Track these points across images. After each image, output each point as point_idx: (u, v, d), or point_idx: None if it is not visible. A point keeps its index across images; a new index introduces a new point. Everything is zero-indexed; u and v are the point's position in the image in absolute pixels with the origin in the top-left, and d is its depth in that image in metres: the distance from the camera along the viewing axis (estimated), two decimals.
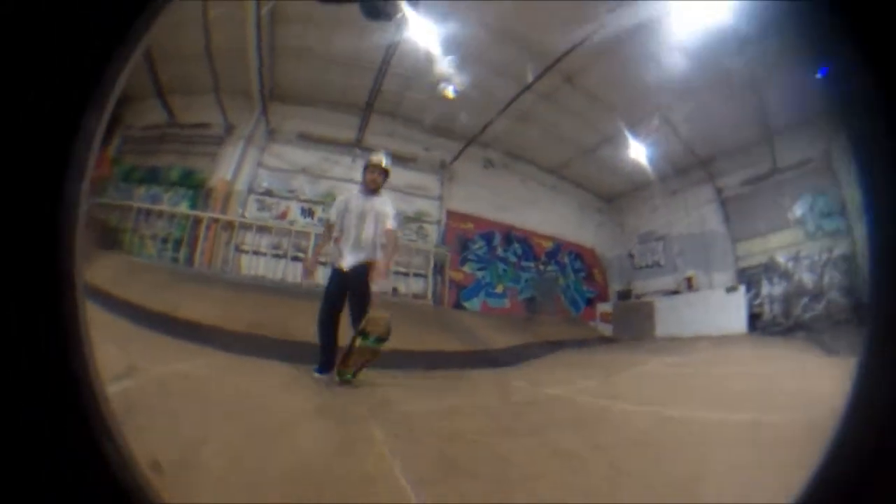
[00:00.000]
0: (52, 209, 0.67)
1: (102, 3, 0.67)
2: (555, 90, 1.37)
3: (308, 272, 1.75)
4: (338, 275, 1.73)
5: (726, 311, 1.41)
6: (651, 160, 1.37)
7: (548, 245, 1.44)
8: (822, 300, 1.43)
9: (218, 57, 1.35)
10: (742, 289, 1.42)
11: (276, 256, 1.50)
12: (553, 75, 1.35)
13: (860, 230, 1.39)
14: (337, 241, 1.74)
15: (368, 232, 1.74)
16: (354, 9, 1.26)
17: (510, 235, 1.42)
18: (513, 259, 1.43)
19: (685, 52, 1.31)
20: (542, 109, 1.39)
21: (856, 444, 0.68)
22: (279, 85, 1.48)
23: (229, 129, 1.49)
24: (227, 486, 1.05)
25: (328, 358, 1.67)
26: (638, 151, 1.36)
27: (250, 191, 1.54)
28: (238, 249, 1.51)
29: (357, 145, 1.48)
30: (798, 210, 1.46)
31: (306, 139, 1.53)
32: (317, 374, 1.67)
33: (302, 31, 1.44)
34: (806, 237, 1.46)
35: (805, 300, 1.44)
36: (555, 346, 1.38)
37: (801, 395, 1.16)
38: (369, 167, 1.66)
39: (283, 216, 1.55)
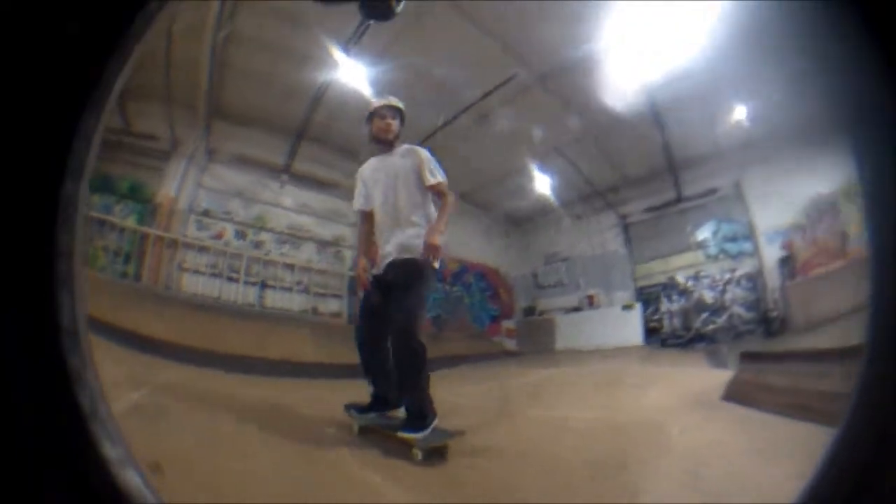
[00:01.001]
0: (50, 211, 0.68)
1: (102, 4, 0.68)
2: (467, 128, 1.42)
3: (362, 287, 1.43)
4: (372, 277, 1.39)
5: (623, 326, 1.49)
6: (555, 190, 1.43)
7: (454, 267, 1.52)
8: (724, 314, 1.49)
9: (174, 66, 1.38)
10: (638, 306, 1.50)
11: (213, 276, 1.61)
12: (469, 114, 1.41)
13: (768, 251, 1.44)
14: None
15: (404, 200, 1.41)
16: (308, 35, 1.33)
17: None
18: None
19: (590, 93, 1.34)
20: (455, 143, 1.45)
21: (857, 446, 0.71)
22: (224, 104, 1.52)
23: (175, 144, 1.51)
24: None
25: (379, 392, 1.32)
26: (542, 182, 1.42)
27: (191, 209, 1.57)
28: (181, 268, 1.62)
29: (285, 171, 1.55)
30: (701, 235, 1.51)
31: (242, 161, 1.59)
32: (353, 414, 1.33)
33: (251, 53, 1.50)
34: (707, 259, 1.53)
35: (706, 314, 1.50)
36: (458, 360, 1.50)
37: (645, 400, 1.34)
38: (377, 114, 1.34)
39: (219, 237, 1.64)
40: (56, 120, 0.67)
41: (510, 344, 1.51)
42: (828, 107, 1.09)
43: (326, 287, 1.51)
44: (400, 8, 1.14)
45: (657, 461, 1.29)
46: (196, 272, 1.58)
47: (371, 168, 1.41)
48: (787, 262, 1.56)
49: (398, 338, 1.36)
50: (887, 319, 0.74)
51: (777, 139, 1.50)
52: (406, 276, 1.38)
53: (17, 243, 0.66)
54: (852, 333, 1.37)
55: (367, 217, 1.41)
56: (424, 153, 1.35)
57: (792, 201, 1.55)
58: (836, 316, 1.52)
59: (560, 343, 1.50)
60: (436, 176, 1.34)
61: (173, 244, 1.58)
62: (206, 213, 1.57)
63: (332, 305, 1.53)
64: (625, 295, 1.50)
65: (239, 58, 1.48)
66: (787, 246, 1.56)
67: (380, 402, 1.34)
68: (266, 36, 1.45)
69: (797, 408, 1.26)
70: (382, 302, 1.35)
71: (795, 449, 1.10)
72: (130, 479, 0.73)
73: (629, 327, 1.48)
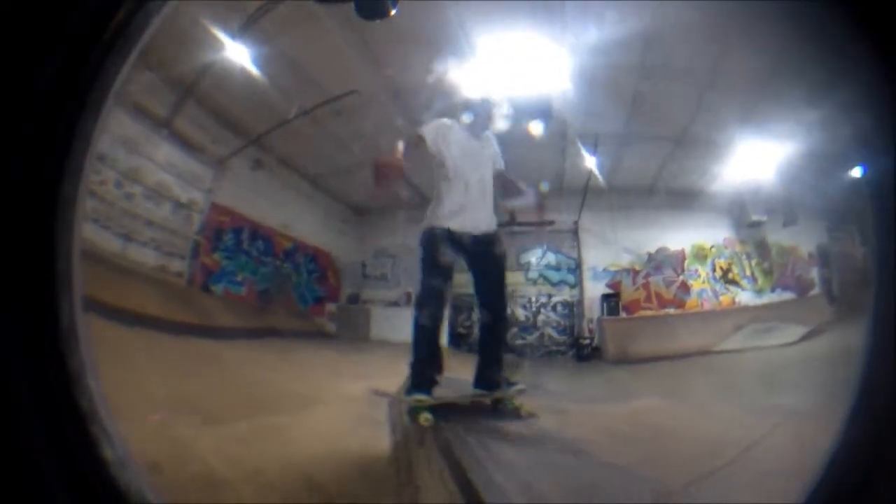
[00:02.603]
0: (50, 211, 0.68)
1: (101, 4, 0.69)
2: (325, 118, 1.55)
3: (389, 179, 1.39)
4: (450, 241, 1.39)
5: None
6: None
7: (287, 245, 1.59)
8: (535, 333, 1.52)
9: None
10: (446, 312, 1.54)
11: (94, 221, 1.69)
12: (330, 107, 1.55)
13: (592, 285, 1.50)
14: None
15: (489, 181, 1.44)
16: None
17: (256, 232, 1.59)
18: (255, 253, 1.55)
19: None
20: (311, 130, 1.58)
21: (857, 446, 0.71)
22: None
23: None
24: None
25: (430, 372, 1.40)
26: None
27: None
28: None
29: (166, 125, 1.63)
30: (525, 258, 1.57)
31: (137, 108, 1.66)
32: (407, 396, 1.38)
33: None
34: (527, 281, 1.57)
35: (516, 329, 1.52)
36: (272, 332, 1.54)
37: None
38: (499, 109, 1.35)
39: (103, 183, 1.70)
40: (55, 120, 0.68)
41: (330, 326, 1.55)
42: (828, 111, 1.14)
43: (174, 247, 1.60)
44: (395, 9, 1.19)
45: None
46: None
47: (461, 141, 1.45)
48: (610, 299, 1.59)
49: (500, 310, 1.46)
50: (887, 320, 0.74)
51: (625, 192, 1.58)
52: (501, 251, 1.46)
53: (17, 243, 0.67)
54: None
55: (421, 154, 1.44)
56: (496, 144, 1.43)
57: (631, 247, 1.61)
58: (653, 356, 1.52)
59: (375, 333, 1.53)
60: (502, 164, 1.44)
61: None
62: (100, 158, 1.69)
63: (177, 265, 1.61)
64: None
65: None
66: (615, 285, 1.60)
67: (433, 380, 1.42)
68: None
69: None
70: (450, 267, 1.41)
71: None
72: (130, 479, 0.72)
73: None
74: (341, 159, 1.57)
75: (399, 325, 1.53)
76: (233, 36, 1.48)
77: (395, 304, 1.54)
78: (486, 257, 1.46)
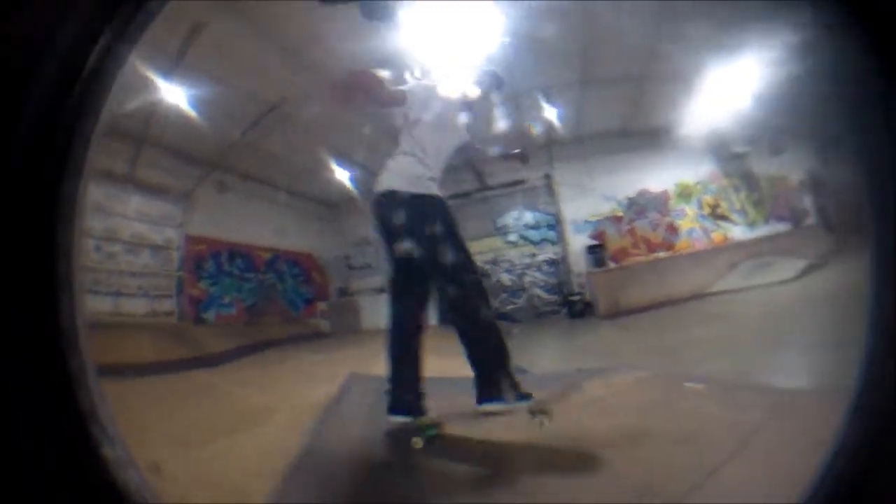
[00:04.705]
0: (50, 211, 0.68)
1: (101, 3, 0.68)
2: (275, 123, 1.56)
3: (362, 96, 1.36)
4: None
5: None
6: (355, 182, 1.52)
7: (267, 256, 1.60)
8: (523, 295, 1.50)
9: None
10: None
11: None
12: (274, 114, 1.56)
13: (576, 239, 1.48)
14: None
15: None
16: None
17: (233, 251, 1.60)
18: (236, 272, 1.57)
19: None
20: (267, 140, 1.58)
21: (857, 446, 0.70)
22: None
23: None
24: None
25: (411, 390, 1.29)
26: (343, 175, 1.53)
27: None
28: None
29: (130, 179, 1.67)
30: (501, 222, 1.54)
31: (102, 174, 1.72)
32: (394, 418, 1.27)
33: None
34: (507, 245, 1.54)
35: (504, 295, 1.50)
36: (268, 345, 1.52)
37: None
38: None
39: None
40: (55, 120, 0.68)
41: (325, 325, 1.55)
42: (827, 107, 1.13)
43: (161, 288, 1.61)
44: (397, 10, 1.20)
45: None
46: None
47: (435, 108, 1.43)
48: (595, 251, 1.56)
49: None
50: (887, 319, 0.73)
51: (595, 138, 1.55)
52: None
53: (18, 243, 0.66)
54: None
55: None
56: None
57: (610, 194, 1.57)
58: (646, 306, 1.49)
59: (366, 323, 1.53)
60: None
61: None
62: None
63: (167, 305, 1.63)
64: None
65: None
66: (598, 236, 1.57)
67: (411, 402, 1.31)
68: None
69: None
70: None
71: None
72: (130, 479, 0.72)
73: None
74: (299, 160, 1.56)
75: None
76: (166, 74, 1.47)
77: (381, 290, 1.54)
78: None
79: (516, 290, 1.52)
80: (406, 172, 1.41)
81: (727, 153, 1.64)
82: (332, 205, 1.57)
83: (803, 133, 1.60)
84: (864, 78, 0.79)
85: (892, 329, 0.73)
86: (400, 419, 1.33)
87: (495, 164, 1.51)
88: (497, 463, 1.27)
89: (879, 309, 0.75)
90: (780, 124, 1.62)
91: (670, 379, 1.41)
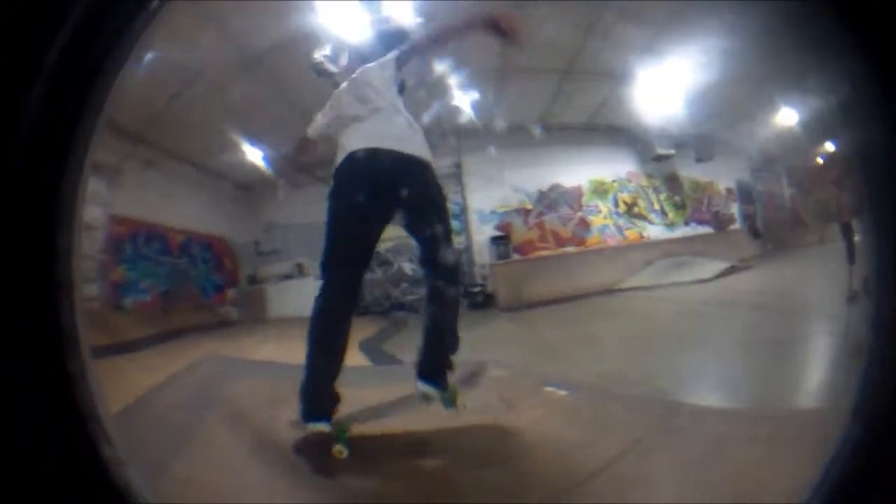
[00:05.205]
0: (50, 211, 0.68)
1: (102, 3, 0.69)
2: (195, 101, 1.57)
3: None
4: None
5: None
6: (268, 160, 1.52)
7: (181, 238, 1.58)
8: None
9: None
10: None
11: None
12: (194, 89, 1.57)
13: (482, 229, 1.47)
14: None
15: None
16: None
17: (151, 233, 1.58)
18: (153, 255, 1.54)
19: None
20: (188, 115, 1.59)
21: (858, 446, 0.70)
22: None
23: None
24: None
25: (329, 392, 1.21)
26: (255, 154, 1.54)
27: None
28: None
29: None
30: None
31: None
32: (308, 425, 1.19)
33: None
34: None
35: (405, 285, 1.50)
36: (177, 334, 1.46)
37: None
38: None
39: None
40: (55, 119, 0.68)
41: (233, 313, 1.55)
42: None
43: (87, 271, 1.60)
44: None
45: None
46: None
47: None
48: (499, 242, 1.55)
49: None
50: (887, 319, 0.73)
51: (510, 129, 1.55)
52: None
53: (17, 244, 0.66)
54: None
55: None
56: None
57: (520, 186, 1.57)
58: (551, 300, 1.48)
59: (273, 311, 1.53)
60: None
61: None
62: None
63: (94, 289, 1.61)
64: None
65: None
66: (504, 227, 1.56)
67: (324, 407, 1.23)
68: None
69: None
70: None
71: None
72: (130, 479, 0.72)
73: None
74: (217, 139, 1.55)
75: (295, 301, 1.52)
76: None
77: (287, 276, 1.53)
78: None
79: (417, 280, 1.50)
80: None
81: (651, 154, 1.63)
82: (247, 187, 1.55)
83: (736, 145, 1.60)
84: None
85: (892, 329, 0.72)
86: (317, 427, 1.24)
87: None
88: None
89: (879, 309, 0.74)
90: (711, 133, 1.61)
91: (531, 381, 1.37)
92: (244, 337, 1.49)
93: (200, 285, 1.57)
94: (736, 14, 1.43)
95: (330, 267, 1.28)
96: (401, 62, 1.36)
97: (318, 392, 1.23)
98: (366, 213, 1.28)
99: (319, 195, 1.52)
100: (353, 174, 1.30)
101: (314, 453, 1.24)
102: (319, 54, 1.37)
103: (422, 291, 1.46)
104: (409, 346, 1.36)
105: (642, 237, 1.61)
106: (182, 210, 1.56)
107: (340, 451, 1.21)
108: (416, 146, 1.31)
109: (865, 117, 0.74)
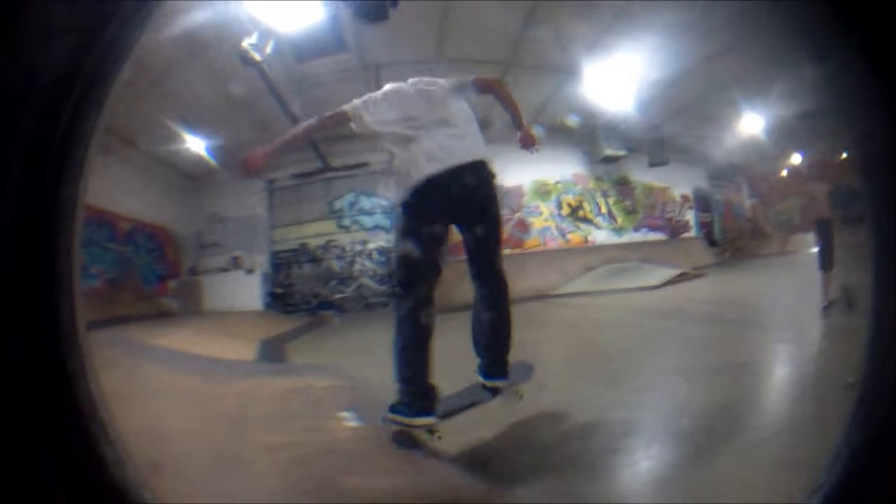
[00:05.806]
0: (50, 211, 0.69)
1: (101, 3, 0.69)
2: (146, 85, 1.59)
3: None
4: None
5: (249, 290, 1.51)
6: (213, 154, 1.51)
7: (127, 227, 1.58)
8: (353, 284, 1.48)
9: None
10: (259, 271, 1.52)
11: None
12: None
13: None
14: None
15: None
16: None
17: (101, 220, 1.63)
18: (102, 242, 1.55)
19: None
20: (133, 102, 1.61)
21: (858, 446, 0.71)
22: None
23: None
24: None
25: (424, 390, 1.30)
26: (198, 145, 1.55)
27: None
28: None
29: None
30: (338, 205, 1.53)
31: None
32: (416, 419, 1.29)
33: None
34: (340, 229, 1.53)
35: (333, 283, 1.49)
36: (118, 321, 1.44)
37: None
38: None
39: None
40: (55, 119, 0.68)
41: (173, 305, 1.57)
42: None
43: None
44: (393, 10, 1.20)
45: None
46: None
47: None
48: None
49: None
50: (887, 318, 0.73)
51: None
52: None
53: (17, 243, 0.67)
54: None
55: None
56: None
57: None
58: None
59: (209, 304, 1.54)
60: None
61: None
62: None
63: None
64: (262, 259, 1.53)
65: None
66: None
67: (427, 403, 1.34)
68: None
69: None
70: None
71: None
72: (130, 479, 0.73)
73: (253, 292, 1.50)
74: (165, 127, 1.56)
75: (230, 294, 1.53)
76: None
77: (224, 269, 1.54)
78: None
79: (345, 279, 1.49)
80: None
81: (598, 155, 1.58)
82: (193, 177, 1.55)
83: (694, 151, 1.54)
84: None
85: (892, 329, 0.71)
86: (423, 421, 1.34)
87: (340, 144, 1.50)
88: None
89: (880, 309, 0.73)
90: (665, 136, 1.55)
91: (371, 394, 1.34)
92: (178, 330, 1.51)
93: (143, 275, 1.59)
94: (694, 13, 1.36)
95: (414, 287, 1.33)
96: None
97: (422, 390, 1.32)
98: (442, 234, 1.34)
99: (256, 188, 1.53)
100: (431, 197, 1.35)
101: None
102: (245, 42, 1.36)
103: (350, 290, 1.45)
104: (325, 347, 1.36)
105: (587, 241, 1.55)
106: (130, 198, 1.58)
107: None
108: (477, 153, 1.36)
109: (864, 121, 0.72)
